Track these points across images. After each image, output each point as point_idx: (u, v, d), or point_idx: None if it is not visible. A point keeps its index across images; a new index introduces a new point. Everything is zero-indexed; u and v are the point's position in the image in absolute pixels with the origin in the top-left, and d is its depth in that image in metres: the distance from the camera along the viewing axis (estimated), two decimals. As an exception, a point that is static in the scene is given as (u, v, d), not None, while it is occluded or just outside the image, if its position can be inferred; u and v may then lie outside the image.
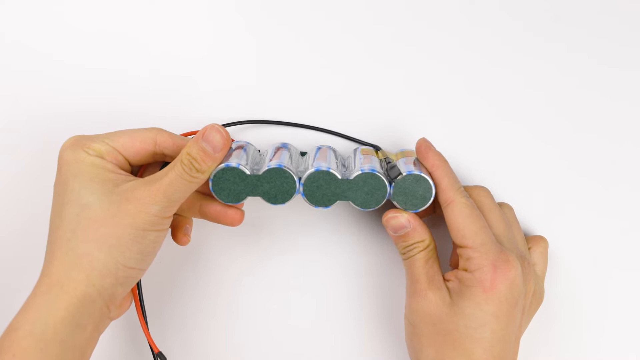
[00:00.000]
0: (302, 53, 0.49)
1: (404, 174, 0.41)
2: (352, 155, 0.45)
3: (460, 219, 0.40)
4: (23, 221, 0.48)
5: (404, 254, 0.43)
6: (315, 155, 0.43)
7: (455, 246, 0.45)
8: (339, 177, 0.41)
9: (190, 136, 0.44)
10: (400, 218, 0.42)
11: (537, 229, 0.47)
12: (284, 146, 0.44)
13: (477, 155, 0.48)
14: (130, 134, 0.41)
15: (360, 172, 0.41)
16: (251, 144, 0.44)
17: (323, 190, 0.41)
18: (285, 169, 0.40)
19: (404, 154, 0.45)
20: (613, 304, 0.47)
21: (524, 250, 0.43)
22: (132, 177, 0.41)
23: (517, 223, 0.44)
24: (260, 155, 0.44)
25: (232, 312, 0.47)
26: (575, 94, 0.48)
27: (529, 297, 0.41)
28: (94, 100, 0.49)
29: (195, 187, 0.40)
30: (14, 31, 0.50)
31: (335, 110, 0.48)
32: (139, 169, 0.45)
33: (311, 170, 0.41)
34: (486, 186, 0.46)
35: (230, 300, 0.47)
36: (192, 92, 0.48)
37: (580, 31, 0.49)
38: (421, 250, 0.42)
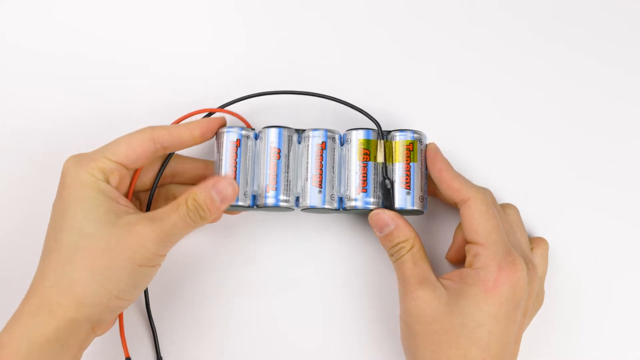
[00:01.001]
0: (305, 53, 0.49)
1: (397, 207, 0.43)
2: (348, 159, 0.44)
3: (476, 215, 0.40)
4: (21, 221, 0.48)
5: (391, 255, 0.43)
6: (310, 169, 0.43)
7: (455, 242, 0.45)
8: (334, 208, 0.44)
9: (183, 121, 0.44)
10: (383, 215, 0.42)
11: (537, 230, 0.47)
12: (279, 147, 0.44)
13: (476, 155, 0.48)
14: (128, 141, 0.41)
15: (354, 208, 0.43)
16: (247, 136, 0.44)
17: (319, 211, 0.44)
18: (282, 205, 0.43)
19: (403, 144, 0.44)
20: (613, 304, 0.47)
21: (527, 252, 0.43)
22: (132, 209, 0.41)
23: (522, 225, 0.44)
24: (255, 161, 0.44)
25: (228, 314, 0.47)
26: (575, 94, 0.48)
27: (531, 300, 0.41)
28: (95, 100, 0.49)
29: (196, 228, 0.41)
30: (13, 31, 0.50)
31: (334, 112, 0.48)
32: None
33: (306, 205, 0.43)
34: (486, 187, 0.46)
35: (226, 301, 0.47)
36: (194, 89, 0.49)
37: (580, 31, 0.49)
38: (408, 251, 0.42)
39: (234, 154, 0.43)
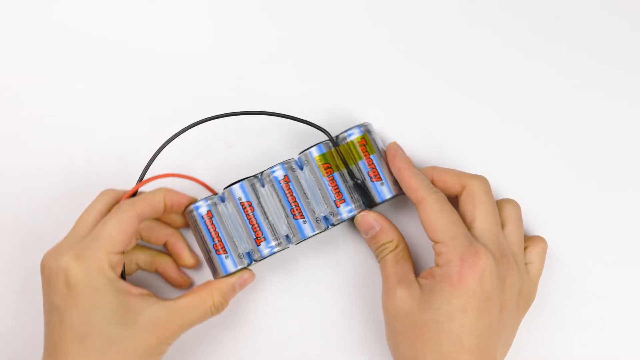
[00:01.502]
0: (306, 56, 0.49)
1: (378, 202, 0.44)
2: (314, 179, 0.44)
3: (431, 214, 0.41)
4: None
5: (377, 255, 0.44)
6: (286, 206, 0.43)
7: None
8: (324, 230, 0.44)
9: (160, 178, 0.44)
10: (368, 217, 0.44)
11: (537, 229, 0.47)
12: (248, 200, 0.43)
13: (476, 155, 0.48)
14: (117, 226, 0.40)
15: (342, 220, 0.44)
16: (215, 203, 0.43)
17: (311, 237, 0.44)
18: (277, 250, 0.43)
19: (356, 142, 0.44)
20: (613, 304, 0.47)
21: (514, 248, 0.42)
22: (147, 294, 0.41)
23: (518, 220, 0.44)
24: (233, 222, 0.44)
25: (225, 319, 0.47)
26: (575, 94, 0.48)
27: (510, 294, 0.41)
28: (95, 100, 0.49)
29: None
30: (13, 31, 0.50)
31: (334, 109, 0.48)
32: None
33: (298, 239, 0.44)
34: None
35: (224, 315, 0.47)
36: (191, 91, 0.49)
37: (580, 31, 0.49)
38: (391, 251, 0.43)
39: (212, 226, 0.43)
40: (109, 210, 0.42)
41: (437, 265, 0.41)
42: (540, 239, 0.45)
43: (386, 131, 0.48)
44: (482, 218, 0.42)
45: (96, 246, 0.40)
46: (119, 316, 0.39)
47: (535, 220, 0.47)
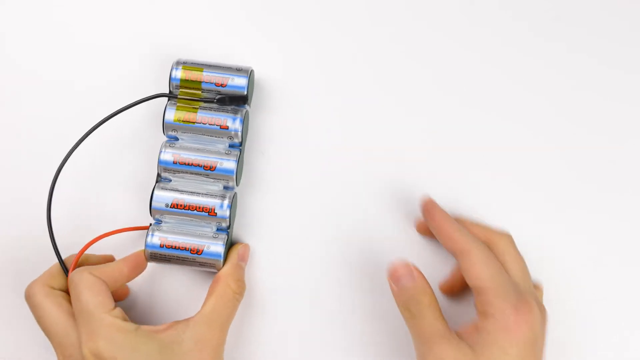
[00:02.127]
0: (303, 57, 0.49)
1: (244, 93, 0.44)
2: (194, 131, 0.45)
3: (478, 264, 0.40)
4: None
5: (407, 310, 0.41)
6: (197, 171, 0.44)
7: (452, 276, 0.46)
8: (240, 152, 0.45)
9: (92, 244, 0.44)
10: (404, 267, 0.41)
11: (536, 231, 0.47)
12: (174, 199, 0.44)
13: (476, 155, 0.48)
14: (87, 292, 0.40)
15: (240, 135, 0.44)
16: (158, 229, 0.44)
17: (242, 163, 0.46)
18: (233, 199, 0.44)
19: (184, 77, 0.45)
20: (614, 306, 0.47)
21: (533, 290, 0.43)
22: (174, 324, 0.41)
23: (516, 254, 0.44)
24: (186, 223, 0.44)
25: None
26: (576, 94, 0.48)
27: (545, 335, 0.41)
28: (96, 100, 0.49)
29: None
30: (13, 31, 0.50)
31: (330, 114, 0.48)
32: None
33: (233, 179, 0.44)
34: (485, 187, 0.46)
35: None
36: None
37: (580, 31, 0.49)
38: (427, 306, 0.41)
39: (174, 243, 0.43)
40: (53, 288, 0.42)
41: (484, 314, 0.40)
42: (537, 286, 0.45)
43: (385, 131, 0.48)
44: (516, 274, 0.42)
45: (97, 317, 0.39)
46: (166, 356, 0.39)
47: (535, 221, 0.47)
